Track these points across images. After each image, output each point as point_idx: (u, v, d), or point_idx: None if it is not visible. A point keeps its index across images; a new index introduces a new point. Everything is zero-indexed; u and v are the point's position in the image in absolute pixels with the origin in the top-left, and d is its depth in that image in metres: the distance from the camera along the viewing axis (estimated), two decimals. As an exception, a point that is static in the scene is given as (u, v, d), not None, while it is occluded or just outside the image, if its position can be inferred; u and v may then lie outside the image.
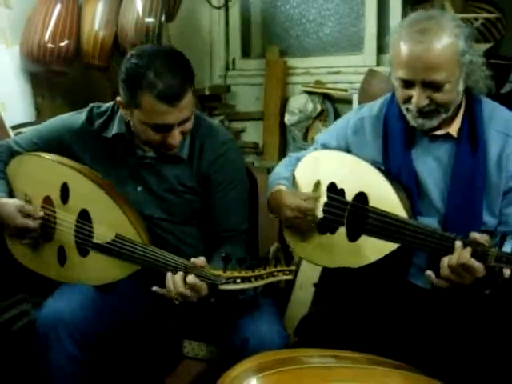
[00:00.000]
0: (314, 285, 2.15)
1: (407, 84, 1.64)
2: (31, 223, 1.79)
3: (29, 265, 1.88)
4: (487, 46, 2.84)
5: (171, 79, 1.61)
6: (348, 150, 1.86)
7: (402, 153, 1.75)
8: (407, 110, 1.68)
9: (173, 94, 1.61)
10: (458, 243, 1.52)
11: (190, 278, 1.56)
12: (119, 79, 1.69)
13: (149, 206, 1.82)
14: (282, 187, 1.87)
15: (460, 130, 1.70)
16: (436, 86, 1.61)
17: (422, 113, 1.66)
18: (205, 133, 1.83)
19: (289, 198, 1.80)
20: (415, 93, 1.63)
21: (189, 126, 1.73)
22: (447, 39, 1.59)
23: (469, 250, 1.50)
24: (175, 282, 1.58)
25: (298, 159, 1.96)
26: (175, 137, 1.69)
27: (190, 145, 1.81)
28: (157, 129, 1.67)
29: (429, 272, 1.56)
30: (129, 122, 1.78)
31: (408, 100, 1.66)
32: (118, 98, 1.72)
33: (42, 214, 1.81)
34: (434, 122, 1.67)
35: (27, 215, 1.79)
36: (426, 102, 1.63)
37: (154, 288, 1.61)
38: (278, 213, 1.85)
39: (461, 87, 1.65)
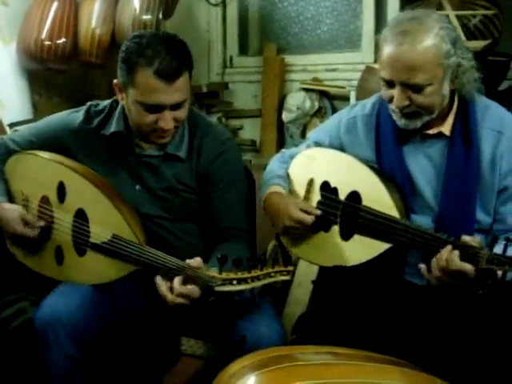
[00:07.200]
0: (313, 282, 2.15)
1: (389, 84, 1.65)
2: (30, 232, 1.79)
3: (27, 263, 1.88)
4: (485, 42, 2.84)
5: (169, 58, 1.64)
6: (341, 149, 1.86)
7: (393, 151, 1.74)
8: (392, 109, 1.69)
9: (170, 72, 1.63)
10: (449, 247, 1.51)
11: (176, 287, 1.55)
12: (118, 60, 1.70)
13: (147, 205, 1.82)
14: (280, 189, 1.85)
15: (453, 129, 1.70)
16: (416, 88, 1.60)
17: (403, 113, 1.66)
18: (203, 132, 1.83)
19: (294, 210, 1.75)
20: (395, 93, 1.63)
21: (182, 114, 1.72)
22: (429, 41, 1.57)
23: (457, 253, 1.49)
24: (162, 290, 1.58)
25: (291, 157, 1.95)
26: (167, 120, 1.68)
27: (189, 144, 1.81)
28: (150, 109, 1.67)
29: (421, 265, 1.56)
30: (127, 119, 1.78)
31: (391, 100, 1.67)
32: (115, 81, 1.74)
33: (42, 223, 1.80)
34: (418, 124, 1.67)
35: (27, 224, 1.79)
36: (406, 103, 1.63)
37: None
38: (275, 217, 1.81)
39: (446, 90, 1.64)
